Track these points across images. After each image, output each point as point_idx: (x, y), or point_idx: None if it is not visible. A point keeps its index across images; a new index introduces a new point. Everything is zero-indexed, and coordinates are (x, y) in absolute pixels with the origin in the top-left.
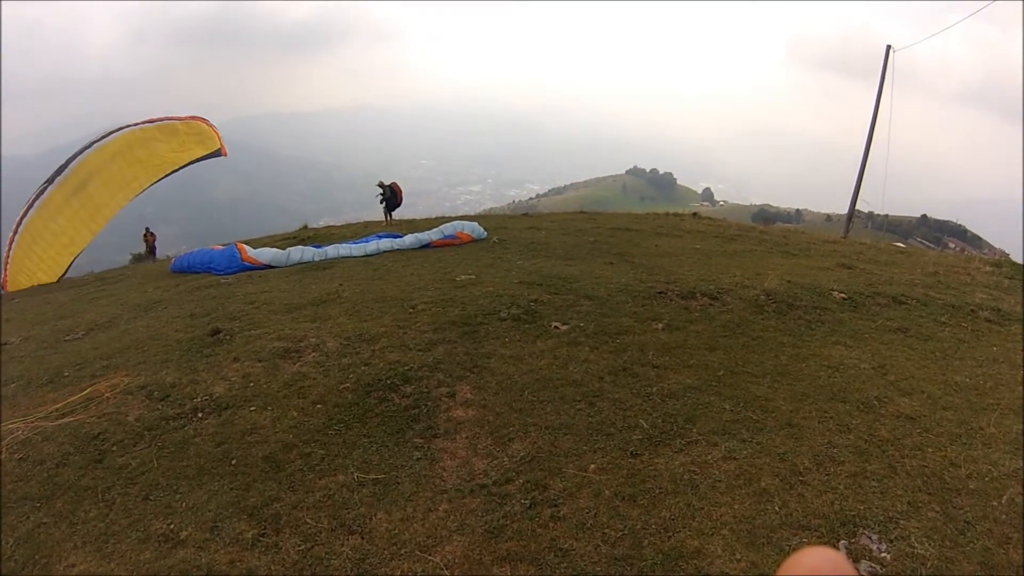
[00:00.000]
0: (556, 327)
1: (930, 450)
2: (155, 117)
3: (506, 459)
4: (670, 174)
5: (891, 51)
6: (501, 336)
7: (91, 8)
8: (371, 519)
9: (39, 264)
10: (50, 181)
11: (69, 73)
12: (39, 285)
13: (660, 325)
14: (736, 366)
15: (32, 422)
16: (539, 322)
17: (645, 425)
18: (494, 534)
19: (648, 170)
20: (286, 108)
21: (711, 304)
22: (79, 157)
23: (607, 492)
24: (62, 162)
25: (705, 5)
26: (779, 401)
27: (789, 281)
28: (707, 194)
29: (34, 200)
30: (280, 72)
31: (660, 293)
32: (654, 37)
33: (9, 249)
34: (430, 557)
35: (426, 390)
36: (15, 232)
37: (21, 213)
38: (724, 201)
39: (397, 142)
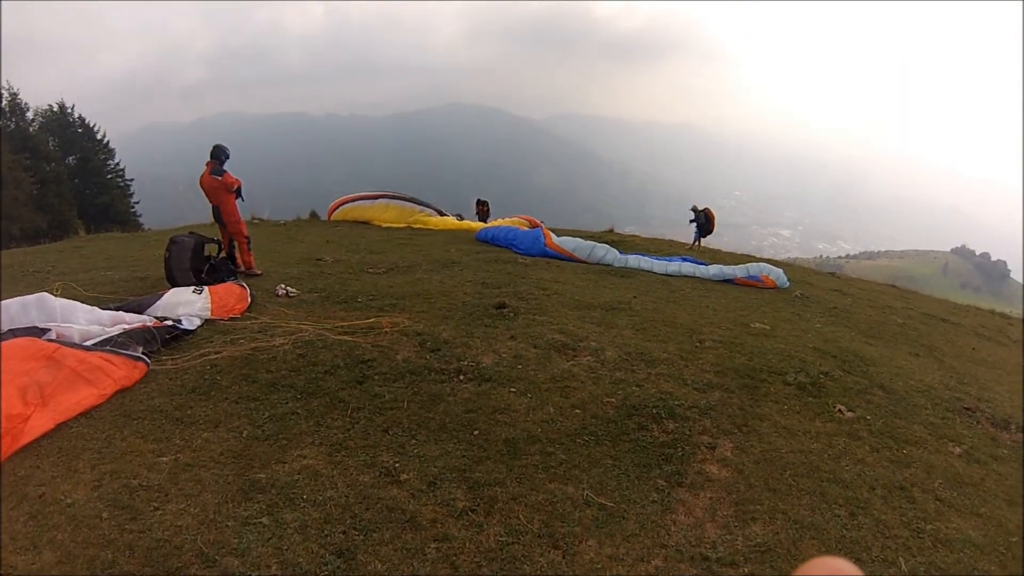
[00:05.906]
0: (840, 411)
1: None
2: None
3: (740, 539)
4: (1003, 263)
5: None
6: (781, 401)
7: (441, 7)
8: (581, 542)
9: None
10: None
11: (420, 58)
12: (358, 221)
13: (958, 449)
14: None
15: (319, 330)
16: (823, 399)
17: (904, 568)
18: None
19: (978, 253)
20: (610, 112)
21: None
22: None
23: None
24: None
25: None
26: None
27: None
28: None
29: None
30: (607, 77)
31: (967, 409)
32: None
33: (348, 200)
34: None
35: (688, 433)
36: (362, 199)
37: (370, 195)
38: None
39: (713, 168)
